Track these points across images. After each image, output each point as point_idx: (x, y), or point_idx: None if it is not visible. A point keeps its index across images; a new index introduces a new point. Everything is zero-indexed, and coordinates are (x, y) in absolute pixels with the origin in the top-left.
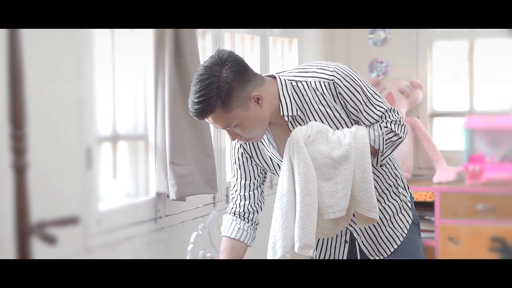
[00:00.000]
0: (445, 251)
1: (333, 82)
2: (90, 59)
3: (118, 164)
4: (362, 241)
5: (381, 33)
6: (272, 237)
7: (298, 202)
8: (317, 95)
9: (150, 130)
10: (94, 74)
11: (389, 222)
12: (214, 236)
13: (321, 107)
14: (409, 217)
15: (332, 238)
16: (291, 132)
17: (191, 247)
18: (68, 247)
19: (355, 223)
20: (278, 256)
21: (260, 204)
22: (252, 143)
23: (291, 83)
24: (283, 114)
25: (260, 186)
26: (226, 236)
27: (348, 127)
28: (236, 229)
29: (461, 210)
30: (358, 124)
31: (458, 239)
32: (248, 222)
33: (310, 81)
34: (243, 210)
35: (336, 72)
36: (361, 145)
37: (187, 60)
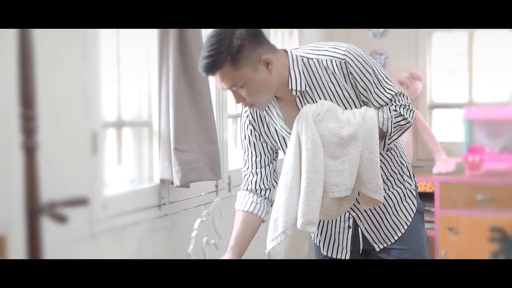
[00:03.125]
0: (445, 242)
1: (344, 62)
2: (95, 45)
3: (122, 150)
4: (365, 227)
5: None
6: (274, 213)
7: (304, 178)
8: (327, 73)
9: (154, 116)
10: (100, 59)
11: (393, 209)
12: (218, 223)
13: (331, 85)
14: (414, 205)
15: (335, 223)
16: (299, 109)
17: (195, 234)
18: (74, 231)
19: (359, 209)
20: (278, 231)
21: (272, 182)
22: (261, 118)
23: (302, 59)
24: (291, 87)
25: (271, 162)
26: (239, 210)
27: (356, 107)
28: (249, 203)
29: (461, 200)
30: (367, 106)
31: (458, 229)
32: (261, 197)
33: (322, 59)
34: (255, 187)
35: (348, 52)
36: (370, 126)
37: (191, 47)
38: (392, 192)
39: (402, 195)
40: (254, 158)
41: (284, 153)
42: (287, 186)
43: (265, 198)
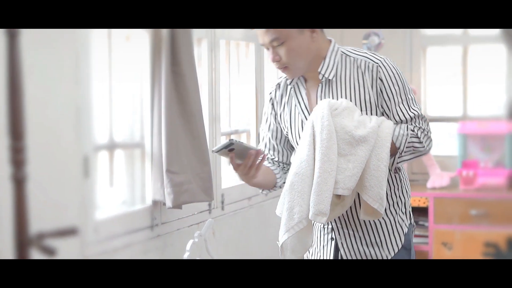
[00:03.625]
0: (439, 256)
1: (377, 66)
2: (87, 67)
3: (114, 173)
4: (342, 243)
5: (375, 38)
6: (289, 203)
7: (317, 168)
8: (357, 72)
9: (147, 138)
10: (91, 83)
11: (377, 237)
12: (210, 244)
13: (356, 84)
14: (400, 241)
15: (320, 233)
16: (318, 97)
17: (187, 255)
18: (66, 256)
19: (342, 227)
20: (294, 221)
21: (286, 157)
22: (281, 99)
23: (342, 53)
24: (320, 71)
25: (285, 143)
26: None
27: (371, 115)
28: (266, 163)
29: (455, 215)
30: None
31: (452, 244)
32: (276, 165)
33: (357, 59)
34: (271, 159)
35: (384, 60)
36: (384, 134)
37: (183, 68)
38: (379, 220)
39: (390, 227)
40: (270, 134)
41: (295, 141)
42: (302, 175)
43: (280, 167)
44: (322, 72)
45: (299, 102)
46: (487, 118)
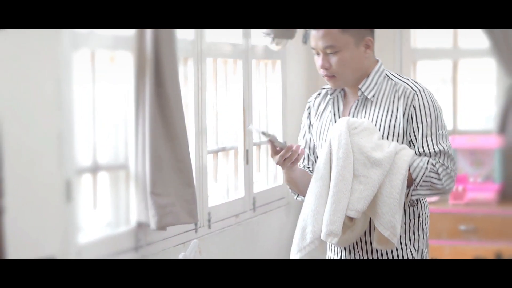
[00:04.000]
0: None
1: (414, 93)
2: (69, 92)
3: (98, 195)
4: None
5: None
6: (302, 222)
7: (332, 187)
8: (394, 96)
9: (131, 159)
10: (74, 107)
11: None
12: None
13: (389, 107)
14: None
15: (330, 253)
16: (350, 112)
17: None
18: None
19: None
20: (306, 241)
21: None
22: (317, 109)
23: (385, 76)
24: (360, 88)
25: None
26: None
27: (391, 138)
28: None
29: (444, 230)
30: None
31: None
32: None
33: (398, 83)
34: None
35: (424, 90)
36: (400, 161)
37: (168, 89)
38: (387, 251)
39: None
40: (303, 142)
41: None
42: (317, 194)
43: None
44: (362, 90)
45: (334, 114)
46: (477, 132)
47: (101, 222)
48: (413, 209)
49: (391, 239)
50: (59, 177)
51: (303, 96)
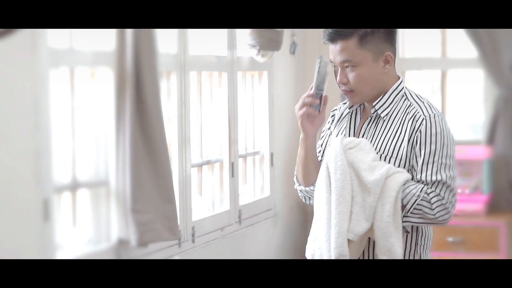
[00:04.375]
0: None
1: (423, 118)
2: (47, 108)
3: (78, 212)
4: None
5: None
6: (311, 250)
7: (333, 209)
8: (405, 118)
9: (112, 176)
10: (51, 124)
11: None
12: None
13: (397, 126)
14: None
15: None
16: (363, 127)
17: None
18: None
19: None
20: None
21: None
22: (339, 121)
23: (403, 95)
24: (374, 105)
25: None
26: None
27: (393, 160)
28: None
29: (432, 242)
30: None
31: None
32: None
33: (412, 104)
34: None
35: (435, 115)
36: (392, 184)
37: (149, 105)
38: None
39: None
40: (321, 149)
41: None
42: (324, 219)
43: None
44: (376, 107)
45: (349, 128)
46: (465, 142)
47: (81, 239)
48: (410, 235)
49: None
50: (37, 195)
51: (291, 107)
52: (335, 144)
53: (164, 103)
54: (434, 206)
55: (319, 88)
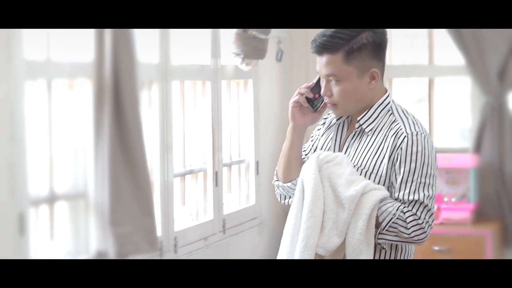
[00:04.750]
0: None
1: (405, 136)
2: (22, 121)
3: (56, 225)
4: None
5: None
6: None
7: (302, 223)
8: (388, 134)
9: (91, 188)
10: (27, 137)
11: None
12: None
13: (380, 142)
14: None
15: None
16: (347, 143)
17: None
18: None
19: None
20: None
21: None
22: (328, 128)
23: (389, 109)
24: (359, 120)
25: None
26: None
27: (373, 175)
28: None
29: (417, 251)
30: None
31: None
32: None
33: (396, 120)
34: None
35: (418, 134)
36: (366, 202)
37: (128, 116)
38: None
39: None
40: (308, 148)
41: None
42: (289, 236)
43: None
44: (361, 122)
45: (335, 140)
46: (453, 150)
47: (59, 252)
48: (388, 252)
49: None
50: (12, 209)
51: (276, 115)
52: (311, 159)
53: (146, 113)
54: (409, 225)
55: (319, 85)
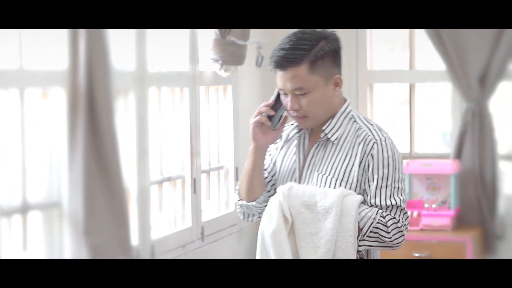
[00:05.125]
0: None
1: (374, 142)
2: None
3: (29, 235)
4: None
5: None
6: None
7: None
8: (355, 142)
9: (64, 198)
10: None
11: None
12: None
13: (349, 152)
14: None
15: None
16: (311, 154)
17: None
18: None
19: None
20: None
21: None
22: (287, 142)
23: (351, 117)
24: (324, 129)
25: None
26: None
27: (344, 183)
28: None
29: (397, 258)
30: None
31: None
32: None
33: (361, 128)
34: None
35: (386, 139)
36: (349, 203)
37: (102, 125)
38: None
39: None
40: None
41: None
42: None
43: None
44: (326, 131)
45: (299, 152)
46: (433, 155)
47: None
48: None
49: None
50: None
51: None
52: (279, 191)
53: (122, 120)
54: (390, 229)
55: (278, 103)
